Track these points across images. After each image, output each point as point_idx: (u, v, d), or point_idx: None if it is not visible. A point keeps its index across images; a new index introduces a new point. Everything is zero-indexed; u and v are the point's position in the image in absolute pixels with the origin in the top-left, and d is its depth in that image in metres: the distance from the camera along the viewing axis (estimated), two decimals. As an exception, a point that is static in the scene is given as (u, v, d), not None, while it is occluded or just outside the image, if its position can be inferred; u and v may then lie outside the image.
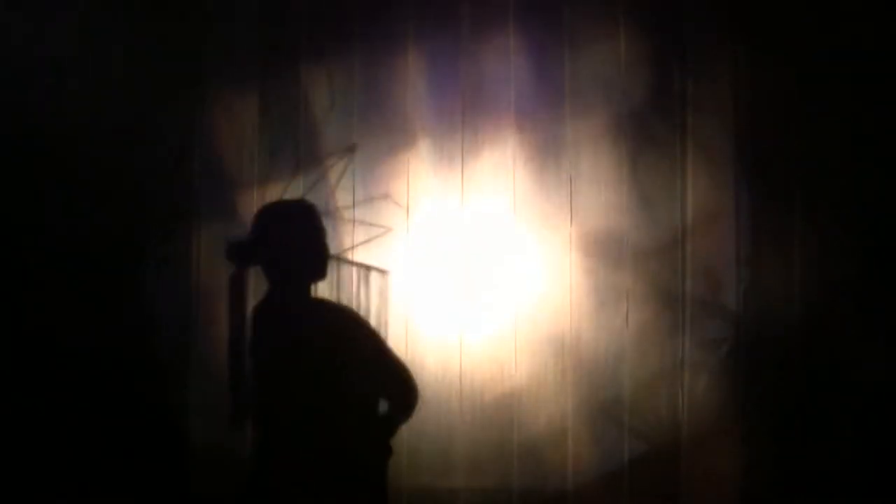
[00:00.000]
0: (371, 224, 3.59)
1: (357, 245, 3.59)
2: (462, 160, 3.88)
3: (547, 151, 3.86)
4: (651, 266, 3.82)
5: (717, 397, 3.78)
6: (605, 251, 3.83)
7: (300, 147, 3.75)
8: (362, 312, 3.29)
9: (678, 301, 3.80)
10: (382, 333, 2.81)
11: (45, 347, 3.93)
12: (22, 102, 3.93)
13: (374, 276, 3.58)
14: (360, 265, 3.56)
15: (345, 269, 3.54)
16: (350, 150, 3.63)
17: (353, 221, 3.58)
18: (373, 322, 3.18)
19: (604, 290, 3.82)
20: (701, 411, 3.78)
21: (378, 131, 3.87)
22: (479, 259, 3.81)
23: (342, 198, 3.69)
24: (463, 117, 3.88)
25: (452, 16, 3.93)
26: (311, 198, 3.24)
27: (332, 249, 2.82)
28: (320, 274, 2.63)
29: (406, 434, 3.58)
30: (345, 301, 3.49)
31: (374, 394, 2.58)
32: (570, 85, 3.88)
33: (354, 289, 3.57)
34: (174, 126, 3.97)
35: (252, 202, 3.68)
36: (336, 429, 2.48)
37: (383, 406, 2.70)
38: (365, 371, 2.50)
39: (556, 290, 3.82)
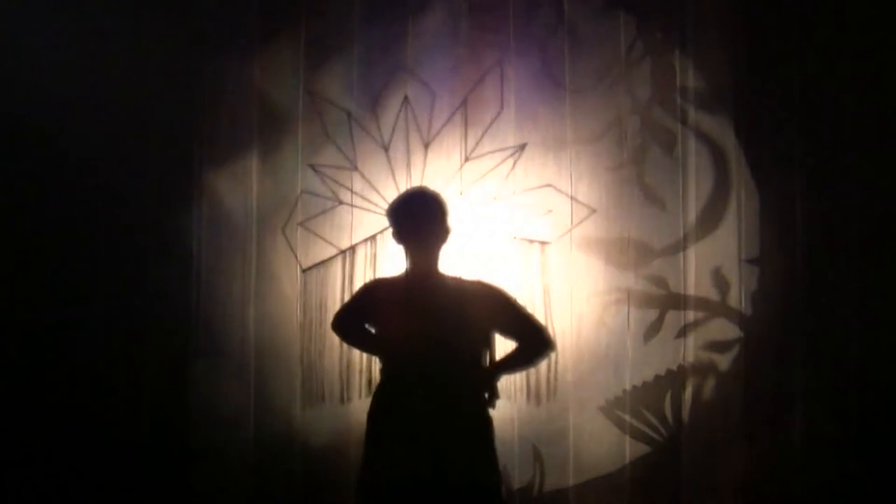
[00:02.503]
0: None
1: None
2: (461, 158, 3.86)
3: (547, 150, 3.85)
4: (653, 265, 3.81)
5: (719, 398, 3.78)
6: (606, 250, 3.82)
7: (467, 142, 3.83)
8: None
9: (680, 301, 3.79)
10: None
11: (43, 346, 3.92)
12: (21, 100, 3.92)
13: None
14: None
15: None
16: (521, 147, 3.76)
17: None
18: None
19: (604, 290, 3.81)
20: (702, 412, 3.78)
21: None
22: (479, 258, 3.79)
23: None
24: (463, 114, 3.86)
25: (451, 12, 3.92)
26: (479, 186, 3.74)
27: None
28: (439, 243, 3.12)
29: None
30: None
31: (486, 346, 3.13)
32: (571, 82, 3.86)
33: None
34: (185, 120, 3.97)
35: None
36: (447, 368, 3.01)
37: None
38: (482, 329, 3.07)
39: (557, 290, 3.80)
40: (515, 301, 3.19)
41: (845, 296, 3.73)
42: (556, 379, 3.71)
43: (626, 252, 3.81)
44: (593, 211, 3.79)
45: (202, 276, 3.95)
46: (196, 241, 3.96)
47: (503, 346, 3.22)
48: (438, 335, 3.00)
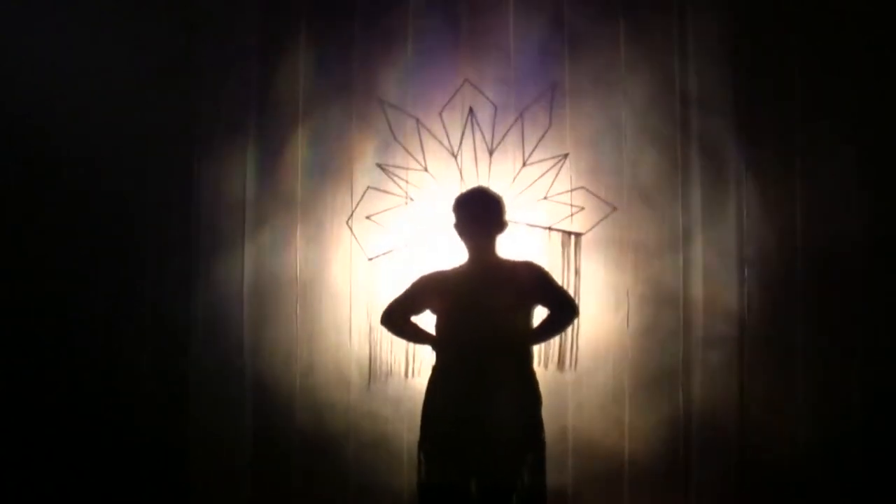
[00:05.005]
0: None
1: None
2: (461, 158, 3.86)
3: (548, 151, 3.85)
4: (652, 266, 3.81)
5: (718, 398, 3.77)
6: (605, 251, 3.82)
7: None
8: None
9: (679, 301, 3.79)
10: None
11: (43, 346, 3.93)
12: (21, 100, 3.93)
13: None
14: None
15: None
16: (564, 156, 3.87)
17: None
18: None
19: (604, 290, 3.81)
20: (701, 412, 3.78)
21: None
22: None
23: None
24: (464, 114, 3.87)
25: (451, 14, 3.92)
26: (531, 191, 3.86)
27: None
28: (494, 235, 3.45)
29: (407, 433, 3.61)
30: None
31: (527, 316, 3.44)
32: (571, 84, 3.86)
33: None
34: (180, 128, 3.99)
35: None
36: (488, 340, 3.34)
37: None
38: (522, 302, 3.39)
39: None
40: (552, 276, 3.52)
41: (846, 295, 3.73)
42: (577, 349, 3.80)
43: (624, 252, 3.81)
44: (614, 209, 3.82)
45: (202, 276, 3.96)
46: (195, 240, 3.97)
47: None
48: (491, 307, 3.35)
